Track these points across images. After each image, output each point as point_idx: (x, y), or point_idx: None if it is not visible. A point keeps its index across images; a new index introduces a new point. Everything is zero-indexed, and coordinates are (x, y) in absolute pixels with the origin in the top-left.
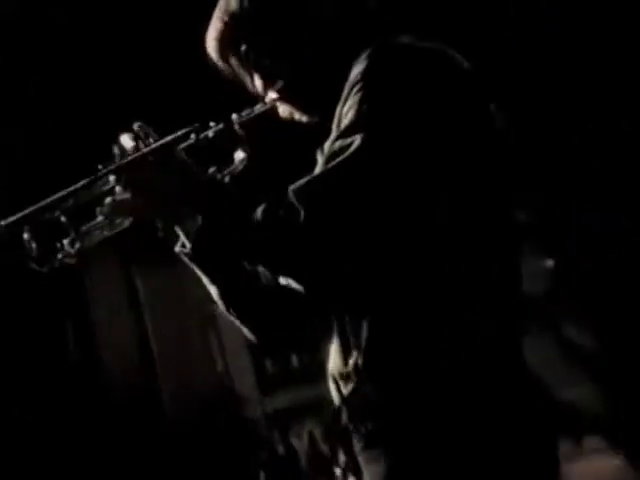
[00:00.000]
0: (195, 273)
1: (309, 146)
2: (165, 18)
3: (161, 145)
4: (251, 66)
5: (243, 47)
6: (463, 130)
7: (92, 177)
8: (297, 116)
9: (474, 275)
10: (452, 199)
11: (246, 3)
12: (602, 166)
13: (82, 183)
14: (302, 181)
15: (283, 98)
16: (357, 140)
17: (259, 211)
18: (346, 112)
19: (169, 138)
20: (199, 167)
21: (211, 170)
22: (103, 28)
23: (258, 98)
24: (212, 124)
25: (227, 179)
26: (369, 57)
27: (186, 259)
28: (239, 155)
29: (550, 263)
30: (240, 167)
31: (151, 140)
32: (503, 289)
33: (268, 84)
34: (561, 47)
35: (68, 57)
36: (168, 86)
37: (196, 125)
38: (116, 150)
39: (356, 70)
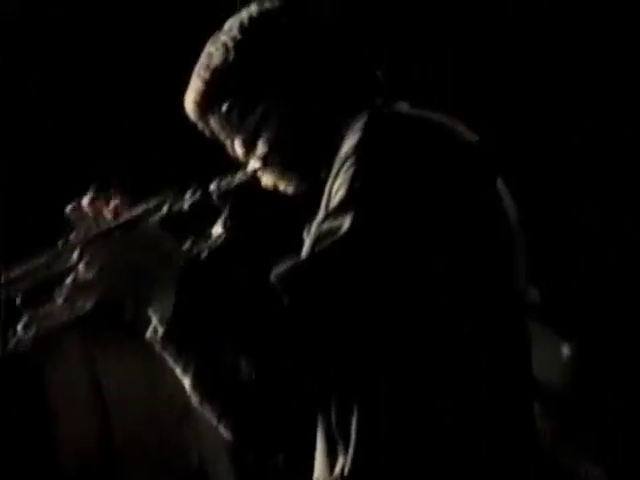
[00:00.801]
0: (168, 360)
1: (295, 219)
2: (164, 16)
3: (131, 217)
4: (232, 128)
5: (224, 106)
6: (463, 212)
7: (51, 254)
8: (282, 186)
9: (476, 368)
10: (449, 286)
11: (232, 56)
12: (602, 166)
13: (40, 261)
14: (286, 266)
15: (267, 166)
16: (346, 223)
17: (239, 294)
18: (337, 189)
19: (139, 210)
20: (173, 241)
21: (186, 245)
22: (103, 28)
23: (240, 164)
24: (188, 194)
25: (204, 255)
26: (363, 129)
27: (158, 345)
28: (217, 229)
29: (566, 349)
30: (218, 242)
31: (115, 207)
32: (511, 385)
33: (251, 149)
34: (561, 47)
35: (68, 57)
36: (167, 86)
37: (170, 195)
38: (75, 219)
39: (349, 142)
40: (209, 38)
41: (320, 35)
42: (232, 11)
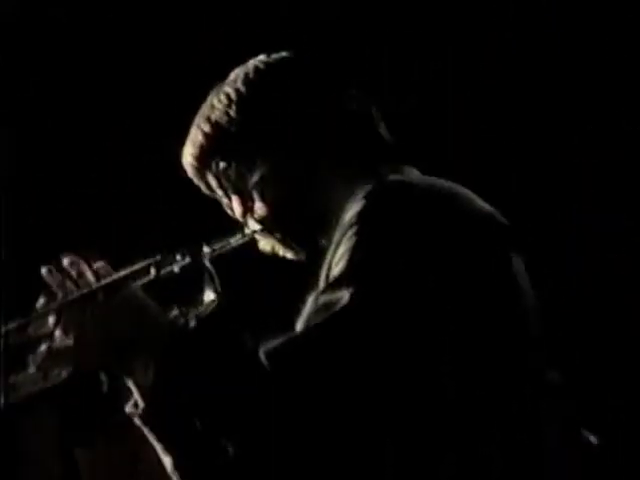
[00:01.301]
0: (149, 438)
1: (292, 287)
2: (163, 14)
3: (113, 280)
4: (230, 186)
5: (223, 163)
6: (468, 289)
7: (25, 319)
8: (281, 252)
9: (482, 451)
10: (455, 367)
11: (234, 110)
12: (602, 166)
13: (12, 325)
14: (277, 342)
15: (266, 230)
16: (345, 298)
17: (227, 369)
18: (337, 260)
19: (124, 273)
20: (159, 308)
21: (173, 313)
22: (103, 29)
23: (236, 224)
24: (178, 256)
25: (192, 323)
26: (366, 198)
27: (138, 421)
28: (208, 296)
29: (593, 439)
30: (209, 310)
31: (98, 269)
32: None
33: (249, 210)
34: (561, 47)
35: (68, 57)
36: (166, 85)
37: (157, 257)
38: (52, 281)
39: (351, 211)
40: (211, 87)
41: (329, 94)
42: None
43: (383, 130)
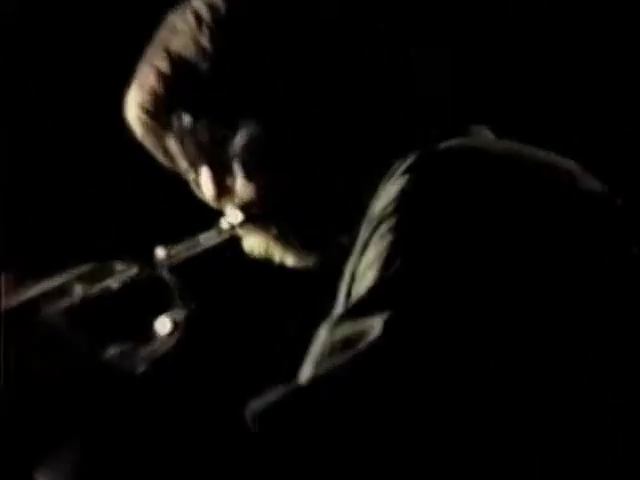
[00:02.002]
0: None
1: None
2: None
3: (16, 305)
4: (198, 154)
5: (187, 118)
6: (573, 320)
7: None
8: (278, 256)
9: None
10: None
11: (206, 39)
12: (602, 166)
13: None
14: (271, 397)
15: (253, 223)
16: (375, 329)
17: (190, 442)
18: (364, 270)
19: (35, 291)
20: (86, 346)
21: (111, 352)
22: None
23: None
24: (118, 266)
25: (139, 370)
26: (407, 174)
27: None
28: (163, 325)
29: None
30: (166, 344)
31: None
32: None
33: (226, 191)
34: (561, 47)
35: (68, 57)
36: None
37: (84, 268)
38: None
39: (385, 195)
40: None
41: (354, 21)
42: None
43: (433, 73)
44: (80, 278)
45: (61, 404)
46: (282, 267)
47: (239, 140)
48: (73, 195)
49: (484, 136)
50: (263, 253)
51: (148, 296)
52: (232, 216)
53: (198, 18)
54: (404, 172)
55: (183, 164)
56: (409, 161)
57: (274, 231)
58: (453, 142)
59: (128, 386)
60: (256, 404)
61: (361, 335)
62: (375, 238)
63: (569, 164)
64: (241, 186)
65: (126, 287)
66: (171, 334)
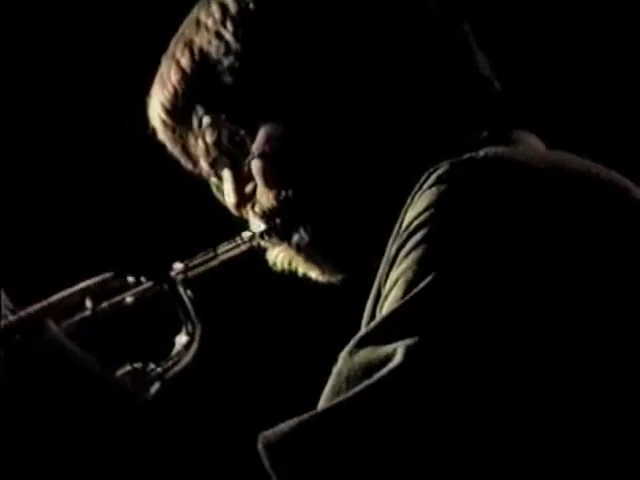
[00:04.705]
0: None
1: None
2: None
3: (20, 318)
4: (219, 157)
5: (206, 118)
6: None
7: None
8: (302, 268)
9: None
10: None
11: (230, 35)
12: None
13: None
14: (287, 426)
15: (276, 234)
16: (397, 356)
17: (199, 463)
18: (389, 289)
19: (37, 306)
20: (95, 365)
21: (124, 370)
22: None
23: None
24: (130, 279)
25: (152, 391)
26: (436, 186)
27: None
28: (180, 341)
29: None
30: (180, 365)
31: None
32: None
33: (249, 197)
34: (561, 47)
35: (68, 56)
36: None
37: (95, 280)
38: None
39: (413, 210)
40: None
41: (390, 9)
42: None
43: (485, 70)
44: (91, 292)
45: (64, 425)
46: (306, 282)
47: (258, 143)
48: (86, 205)
49: (529, 144)
50: (286, 266)
51: (163, 312)
52: (254, 225)
53: (224, 11)
54: (433, 184)
55: (204, 166)
56: (439, 171)
57: (297, 243)
58: (489, 151)
59: (138, 407)
60: (270, 433)
61: (380, 361)
62: (401, 255)
63: (616, 177)
64: (261, 193)
65: (140, 303)
66: (185, 352)
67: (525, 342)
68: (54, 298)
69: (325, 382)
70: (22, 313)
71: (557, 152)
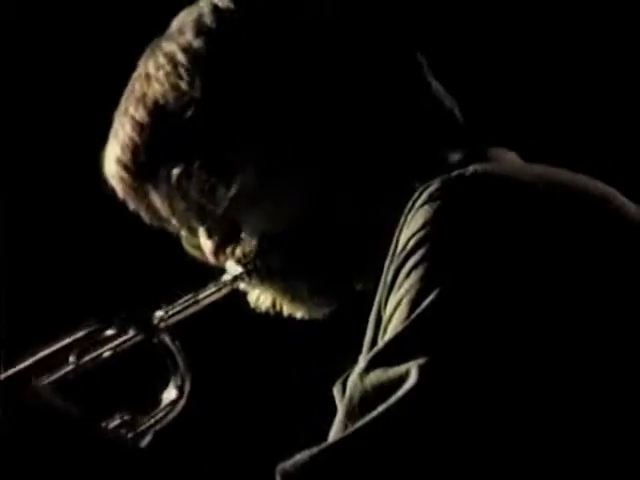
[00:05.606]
0: None
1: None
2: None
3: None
4: (190, 210)
5: (174, 169)
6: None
7: None
8: (287, 308)
9: None
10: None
11: (185, 83)
12: (602, 166)
13: None
14: (302, 457)
15: (257, 275)
16: (411, 376)
17: None
18: (392, 310)
19: (24, 364)
20: (82, 420)
21: (114, 422)
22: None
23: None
24: (110, 330)
25: (146, 436)
26: (429, 203)
27: None
28: (169, 392)
29: None
30: (170, 415)
31: None
32: None
33: (225, 245)
34: (561, 47)
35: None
36: None
37: (78, 334)
38: None
39: (408, 230)
40: None
41: (353, 39)
42: None
43: (446, 99)
44: (74, 346)
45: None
46: (293, 320)
47: (232, 189)
48: (65, 258)
49: (508, 159)
50: (271, 306)
51: (148, 361)
52: (231, 269)
53: (174, 63)
54: (425, 202)
55: (174, 220)
56: (430, 189)
57: (279, 283)
58: (477, 167)
59: (129, 459)
60: (286, 464)
61: (394, 382)
62: (402, 275)
63: (603, 188)
64: (242, 237)
65: (123, 353)
66: (176, 401)
67: (534, 349)
68: (39, 356)
69: (318, 415)
70: (9, 372)
71: (538, 165)
